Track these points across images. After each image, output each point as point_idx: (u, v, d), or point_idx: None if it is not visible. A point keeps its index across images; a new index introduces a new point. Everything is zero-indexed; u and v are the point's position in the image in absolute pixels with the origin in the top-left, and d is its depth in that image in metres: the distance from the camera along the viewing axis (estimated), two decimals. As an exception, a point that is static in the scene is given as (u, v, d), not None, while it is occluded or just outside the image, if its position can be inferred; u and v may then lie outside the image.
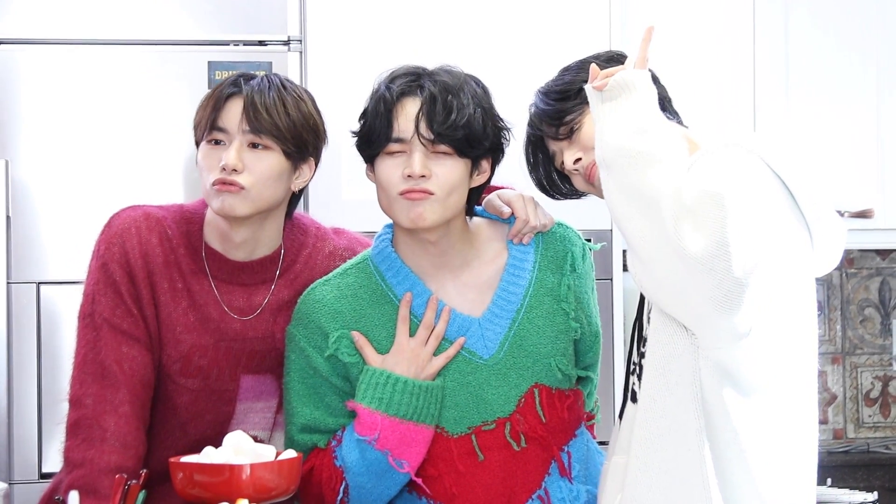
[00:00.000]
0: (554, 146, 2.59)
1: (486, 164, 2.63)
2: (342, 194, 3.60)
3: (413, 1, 3.70)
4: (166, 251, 2.74)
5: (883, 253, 4.72)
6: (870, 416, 4.71)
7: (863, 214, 4.13)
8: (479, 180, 2.63)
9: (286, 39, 3.59)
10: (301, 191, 2.79)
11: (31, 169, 3.53)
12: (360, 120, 2.61)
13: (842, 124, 4.18)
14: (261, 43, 3.57)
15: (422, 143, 2.53)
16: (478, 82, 2.63)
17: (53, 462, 3.48)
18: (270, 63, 3.55)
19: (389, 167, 2.55)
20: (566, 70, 2.59)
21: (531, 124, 2.62)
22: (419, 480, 2.62)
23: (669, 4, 4.02)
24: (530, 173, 2.66)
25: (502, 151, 2.65)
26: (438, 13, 3.67)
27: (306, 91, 2.73)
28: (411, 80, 2.56)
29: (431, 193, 2.53)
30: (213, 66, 3.53)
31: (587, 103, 2.44)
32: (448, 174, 2.54)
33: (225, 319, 2.78)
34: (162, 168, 3.55)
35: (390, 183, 2.55)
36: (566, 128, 2.55)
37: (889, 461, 4.58)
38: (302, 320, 2.67)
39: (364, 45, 3.62)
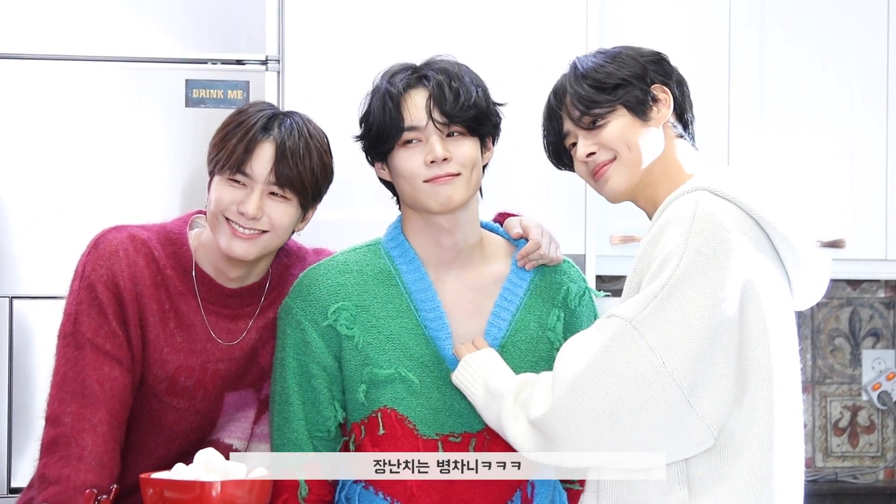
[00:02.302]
0: (570, 126, 2.62)
1: (489, 143, 2.71)
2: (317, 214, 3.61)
3: (390, 23, 3.72)
4: (154, 273, 2.75)
5: (854, 283, 4.75)
6: (838, 445, 4.72)
7: (834, 244, 4.14)
8: (487, 158, 2.71)
9: (264, 59, 3.59)
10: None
11: (6, 183, 3.52)
12: (361, 122, 2.67)
13: (815, 155, 4.22)
14: (239, 62, 3.57)
15: (437, 127, 2.60)
16: (469, 68, 2.71)
17: (23, 476, 3.47)
18: (248, 82, 3.55)
19: (408, 158, 2.61)
20: (611, 58, 2.60)
21: (557, 94, 2.65)
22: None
23: (645, 25, 4.06)
24: (543, 135, 2.70)
25: (499, 131, 2.74)
26: (415, 34, 3.70)
27: (325, 136, 2.76)
28: (412, 74, 2.64)
29: (457, 174, 2.61)
30: (190, 83, 3.54)
31: (620, 101, 2.54)
32: (467, 152, 2.62)
33: (211, 340, 2.80)
34: (138, 184, 3.54)
35: (413, 173, 2.61)
36: (589, 118, 2.58)
37: (856, 491, 4.59)
38: (301, 293, 2.70)
39: (341, 66, 3.64)
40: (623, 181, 2.54)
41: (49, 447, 2.70)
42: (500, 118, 2.72)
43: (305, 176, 2.67)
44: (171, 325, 2.77)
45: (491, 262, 2.75)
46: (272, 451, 2.74)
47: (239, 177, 2.67)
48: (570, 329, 2.75)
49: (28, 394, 3.49)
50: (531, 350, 2.71)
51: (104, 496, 2.57)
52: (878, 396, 4.70)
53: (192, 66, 3.55)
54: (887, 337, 4.76)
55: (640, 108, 2.53)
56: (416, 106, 2.60)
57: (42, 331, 3.49)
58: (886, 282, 4.75)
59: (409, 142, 2.61)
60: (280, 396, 2.72)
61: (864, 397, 4.74)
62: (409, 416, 2.65)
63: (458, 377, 2.62)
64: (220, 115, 3.41)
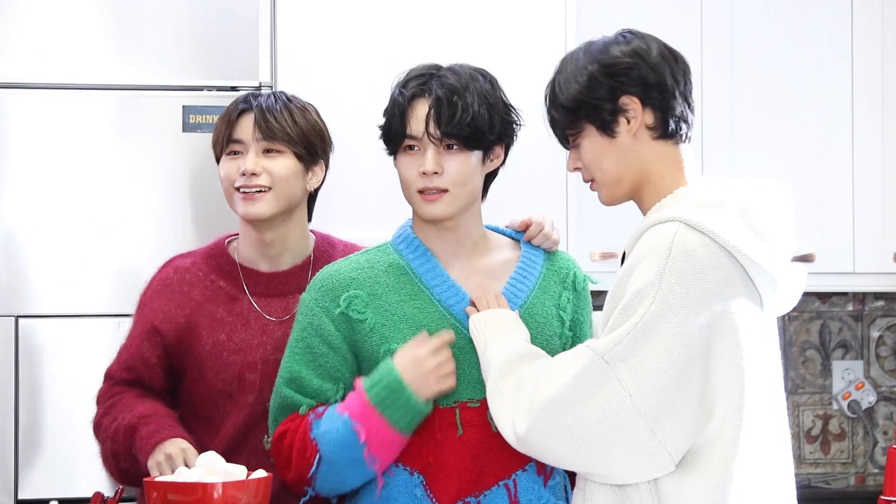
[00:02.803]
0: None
1: (498, 150, 2.75)
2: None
3: (379, 51, 3.76)
4: (205, 289, 2.94)
5: (823, 297, 4.76)
6: (811, 452, 4.74)
7: (805, 259, 4.17)
8: (492, 165, 2.76)
9: (258, 85, 3.65)
10: (317, 192, 2.99)
11: (12, 207, 3.57)
12: (383, 116, 2.74)
13: (784, 172, 4.21)
14: (233, 88, 3.62)
15: (432, 141, 2.66)
16: (485, 76, 2.73)
17: (29, 489, 3.54)
18: None
19: (407, 164, 2.70)
20: (578, 74, 2.50)
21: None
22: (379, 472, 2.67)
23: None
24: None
25: (512, 138, 2.77)
26: (404, 61, 3.72)
27: (310, 103, 2.95)
28: (421, 83, 2.69)
29: (445, 191, 2.67)
30: (187, 109, 3.60)
31: (588, 120, 2.48)
32: (459, 168, 2.67)
33: (267, 331, 2.93)
34: (138, 206, 3.59)
35: (409, 180, 2.69)
36: (565, 140, 2.58)
37: (828, 496, 4.62)
38: (315, 286, 2.75)
39: (332, 91, 3.66)
40: (607, 198, 2.55)
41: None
42: (513, 128, 2.75)
43: (289, 127, 2.88)
44: (227, 330, 2.93)
45: (497, 252, 2.80)
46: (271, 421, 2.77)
47: (232, 146, 2.90)
48: (577, 309, 2.82)
49: (34, 410, 3.55)
50: (546, 326, 2.75)
51: (110, 497, 2.64)
52: (849, 405, 4.74)
53: (189, 93, 3.61)
54: (856, 348, 4.78)
55: (606, 126, 2.47)
56: (417, 117, 2.67)
57: (48, 349, 3.55)
58: (854, 295, 4.77)
59: (410, 147, 2.69)
60: (283, 374, 2.75)
61: (835, 406, 4.76)
62: None
63: (471, 331, 2.65)
64: (216, 140, 3.53)
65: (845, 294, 4.79)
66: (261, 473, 2.56)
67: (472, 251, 2.78)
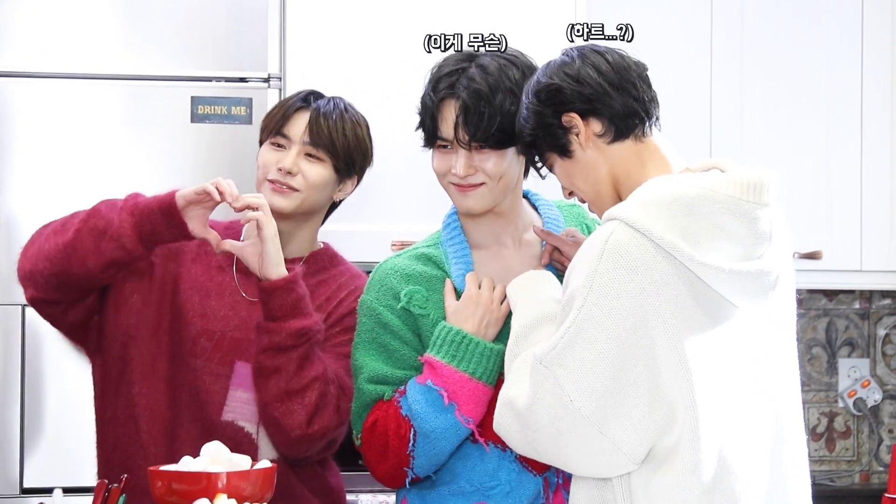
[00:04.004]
0: None
1: None
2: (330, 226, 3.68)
3: (390, 42, 3.77)
4: (207, 253, 2.97)
5: (830, 294, 4.77)
6: (816, 450, 4.75)
7: (812, 256, 4.19)
8: None
9: (266, 77, 3.68)
10: (340, 201, 3.01)
11: (18, 196, 3.59)
12: (417, 113, 2.72)
13: (792, 169, 4.22)
14: (242, 80, 3.65)
15: (461, 146, 2.64)
16: (518, 64, 2.67)
17: (34, 477, 3.56)
18: (251, 99, 3.63)
19: (441, 161, 2.69)
20: (524, 116, 2.54)
21: None
22: (477, 431, 2.66)
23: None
24: None
25: None
26: (413, 52, 3.73)
27: (363, 118, 2.96)
28: (450, 84, 2.64)
29: (481, 184, 2.67)
30: (195, 100, 3.62)
31: (548, 149, 2.50)
32: (494, 165, 2.65)
33: (236, 307, 2.94)
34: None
35: (443, 175, 2.70)
36: (540, 172, 2.65)
37: (833, 493, 4.64)
38: (374, 286, 2.75)
39: (340, 83, 3.58)
40: (601, 214, 2.50)
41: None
42: None
43: (338, 140, 2.91)
44: (201, 294, 2.94)
45: (529, 232, 2.80)
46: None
47: (279, 139, 2.92)
48: None
49: (39, 398, 3.58)
50: None
51: (114, 485, 2.63)
52: (854, 403, 4.74)
53: (198, 84, 3.64)
54: (862, 346, 4.79)
55: (563, 149, 2.48)
56: (447, 120, 2.64)
57: (53, 338, 3.45)
58: (861, 293, 4.78)
59: (443, 146, 2.68)
60: (356, 372, 2.74)
61: (841, 404, 4.78)
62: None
63: (509, 299, 2.66)
64: (224, 131, 3.55)
65: (852, 292, 4.79)
66: (265, 464, 2.56)
67: (511, 241, 2.79)
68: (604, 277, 2.30)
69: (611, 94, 2.46)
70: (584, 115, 2.46)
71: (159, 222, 2.81)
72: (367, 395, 2.71)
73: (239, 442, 2.88)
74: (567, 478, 2.63)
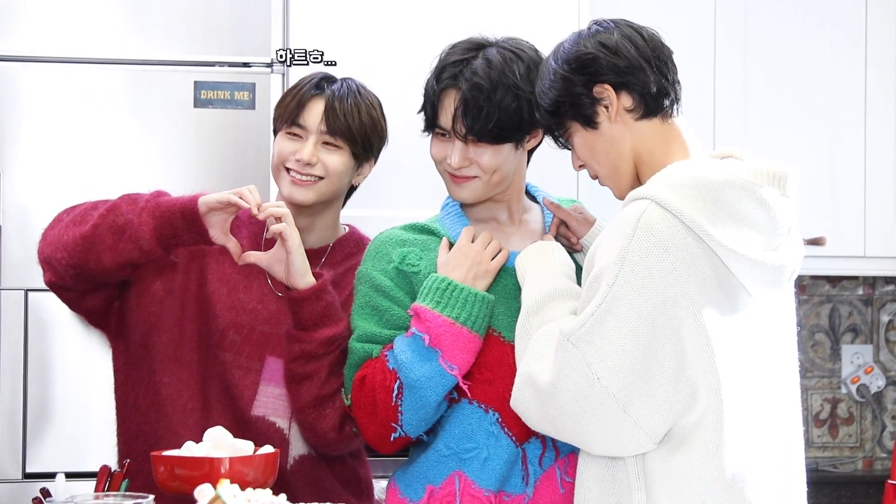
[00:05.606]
0: None
1: (535, 132, 2.73)
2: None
3: (393, 26, 3.77)
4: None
5: (833, 280, 4.78)
6: (819, 436, 4.77)
7: (815, 242, 4.18)
8: (530, 144, 2.75)
9: (269, 62, 3.66)
10: (357, 186, 2.99)
11: (21, 181, 3.58)
12: (423, 96, 2.75)
13: (796, 155, 4.21)
14: (245, 65, 3.63)
15: (458, 137, 2.66)
16: (524, 58, 2.67)
17: (38, 463, 3.56)
18: (254, 84, 3.61)
19: (437, 147, 2.73)
20: (551, 76, 2.52)
21: None
22: (466, 385, 2.66)
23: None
24: None
25: None
26: (419, 36, 3.73)
27: (376, 97, 2.94)
28: (454, 74, 2.67)
29: (475, 177, 2.69)
30: (199, 85, 3.61)
31: (571, 118, 2.50)
32: (489, 160, 2.69)
33: (264, 300, 2.92)
34: (149, 181, 3.46)
35: (439, 162, 2.72)
36: (559, 143, 2.62)
37: (835, 479, 4.64)
38: (370, 254, 2.78)
39: (344, 68, 3.56)
40: (616, 191, 2.53)
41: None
42: None
43: (354, 126, 2.87)
44: (230, 286, 2.93)
45: (530, 223, 2.82)
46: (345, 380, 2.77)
47: (295, 129, 2.89)
48: None
49: (42, 383, 3.57)
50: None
51: (117, 470, 2.65)
52: (857, 389, 4.76)
53: (201, 69, 3.62)
54: (865, 332, 4.80)
55: (588, 119, 2.48)
56: (446, 110, 2.67)
57: (57, 322, 3.56)
58: (864, 279, 4.79)
59: (442, 134, 2.70)
60: (353, 334, 2.76)
61: (844, 390, 4.79)
62: (493, 324, 2.70)
63: (517, 270, 2.67)
64: (227, 116, 3.54)
65: (855, 278, 4.80)
66: (268, 449, 2.57)
67: (509, 220, 2.80)
68: (636, 255, 2.30)
69: (645, 70, 2.47)
70: (617, 89, 2.47)
71: (180, 226, 2.78)
72: (356, 354, 2.73)
73: (270, 437, 2.88)
74: (546, 454, 2.65)
